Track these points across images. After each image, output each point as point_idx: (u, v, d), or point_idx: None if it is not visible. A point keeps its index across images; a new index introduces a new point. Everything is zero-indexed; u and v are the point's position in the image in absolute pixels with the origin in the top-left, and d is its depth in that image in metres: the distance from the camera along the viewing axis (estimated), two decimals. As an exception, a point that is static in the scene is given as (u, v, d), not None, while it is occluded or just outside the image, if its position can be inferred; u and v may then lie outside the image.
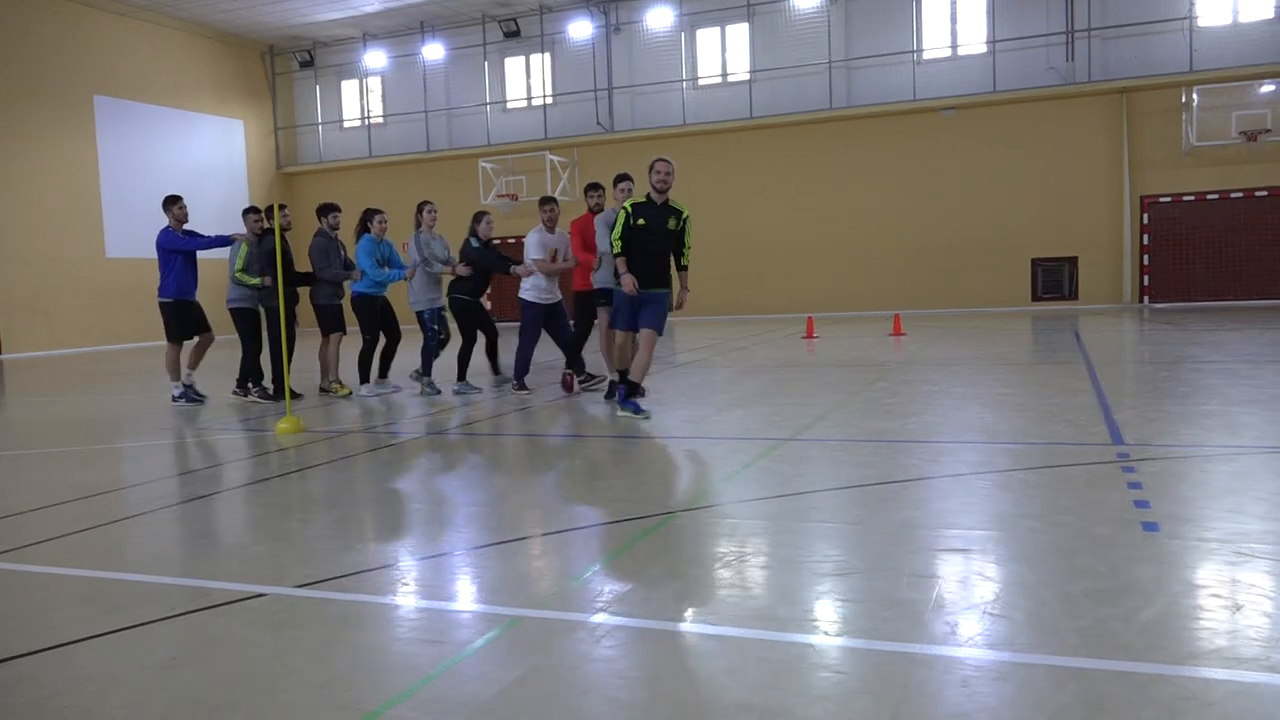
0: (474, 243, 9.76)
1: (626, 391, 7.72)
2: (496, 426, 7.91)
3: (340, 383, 10.29)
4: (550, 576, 3.86)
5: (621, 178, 9.04)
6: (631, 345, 7.87)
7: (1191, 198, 20.78)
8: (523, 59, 26.22)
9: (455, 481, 6.02)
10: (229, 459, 6.84)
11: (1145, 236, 21.10)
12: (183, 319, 9.98)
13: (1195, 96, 20.18)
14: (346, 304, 10.20)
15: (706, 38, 24.54)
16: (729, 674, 2.77)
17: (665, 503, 5.00)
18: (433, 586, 3.79)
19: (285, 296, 9.87)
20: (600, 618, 3.25)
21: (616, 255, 7.72)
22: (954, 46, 22.43)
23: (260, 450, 7.19)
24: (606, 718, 2.53)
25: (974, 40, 22.18)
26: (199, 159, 25.66)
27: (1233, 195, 20.46)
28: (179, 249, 9.82)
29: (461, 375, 9.84)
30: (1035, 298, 21.94)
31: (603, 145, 25.13)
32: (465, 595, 3.68)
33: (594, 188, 9.56)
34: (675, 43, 24.55)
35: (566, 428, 7.78)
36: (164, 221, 10.09)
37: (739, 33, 24.09)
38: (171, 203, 10.03)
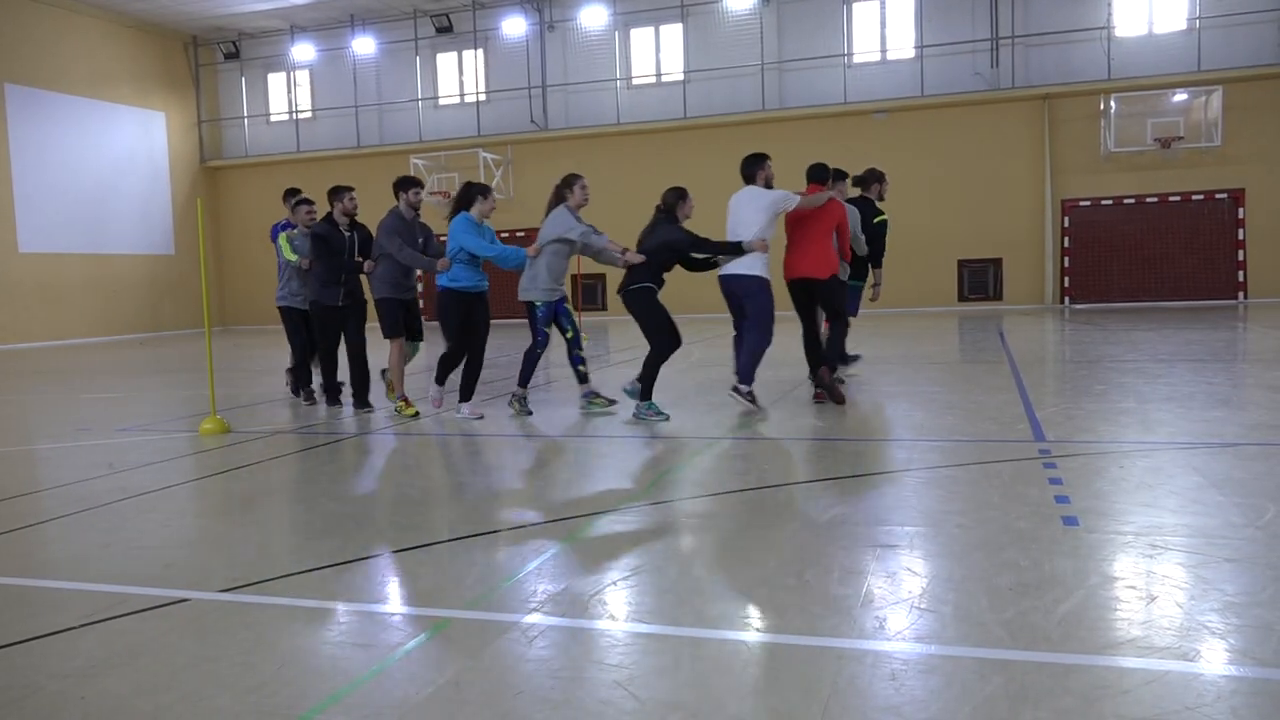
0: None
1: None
2: (430, 427, 7.82)
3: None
4: (482, 577, 3.83)
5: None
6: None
7: (1109, 202, 21.44)
8: (455, 55, 25.96)
9: (386, 483, 5.94)
10: (150, 460, 6.65)
11: (1066, 239, 21.70)
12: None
13: (1113, 104, 20.83)
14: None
15: (640, 37, 24.58)
16: (661, 672, 2.79)
17: (598, 502, 5.00)
18: (362, 589, 3.74)
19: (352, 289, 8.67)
20: (533, 618, 3.24)
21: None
22: (883, 51, 22.81)
23: (183, 452, 7.01)
24: (539, 719, 2.52)
25: (903, 45, 22.59)
26: (118, 152, 24.87)
27: (1148, 200, 21.16)
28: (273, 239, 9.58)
29: (646, 392, 7.61)
30: (961, 298, 22.42)
31: (537, 143, 25.01)
32: (395, 598, 3.64)
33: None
34: (609, 42, 24.54)
35: (496, 428, 7.72)
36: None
37: (673, 33, 24.18)
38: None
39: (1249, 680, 2.58)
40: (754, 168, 7.98)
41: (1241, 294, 20.62)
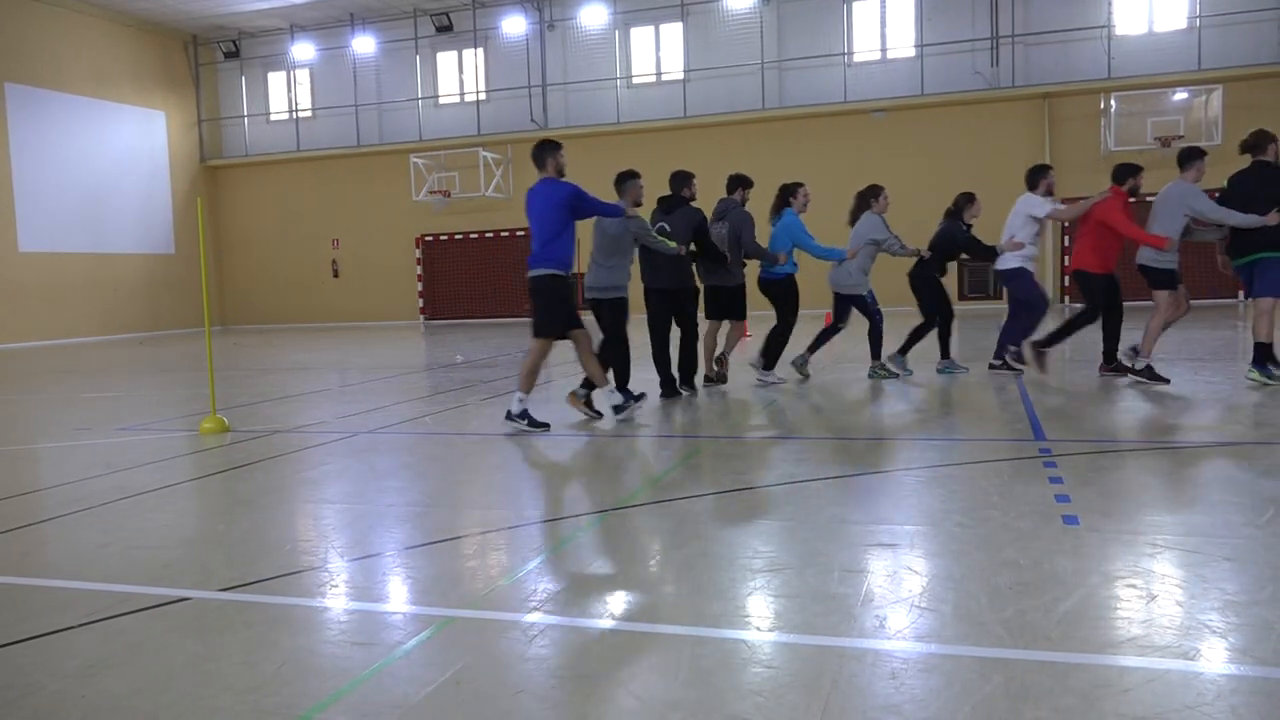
0: (964, 227, 9.84)
1: (1260, 356, 8.13)
2: (431, 425, 7.82)
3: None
4: (482, 576, 3.83)
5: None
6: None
7: (1110, 201, 21.42)
8: (455, 54, 25.96)
9: (386, 481, 5.93)
10: (150, 460, 6.65)
11: (1065, 238, 21.69)
12: (567, 300, 7.23)
13: (1113, 102, 20.82)
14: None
15: (640, 36, 24.58)
16: (661, 671, 2.78)
17: (598, 501, 5.00)
18: (362, 588, 3.74)
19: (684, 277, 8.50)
20: (533, 617, 3.24)
21: None
22: (883, 50, 22.81)
23: (183, 451, 7.01)
24: (539, 717, 2.52)
25: (903, 44, 22.59)
26: (118, 151, 24.87)
27: (1149, 199, 21.05)
28: (591, 210, 7.24)
29: (903, 349, 9.83)
30: (961, 297, 22.40)
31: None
32: (396, 596, 3.63)
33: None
34: (609, 41, 24.54)
35: (494, 428, 7.71)
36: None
37: (673, 32, 24.18)
38: (556, 150, 7.19)
39: (1249, 679, 2.58)
40: (1036, 177, 9.46)
41: (1242, 293, 20.61)
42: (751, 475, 5.51)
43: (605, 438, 6.90)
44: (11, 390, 12.31)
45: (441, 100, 26.19)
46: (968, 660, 2.76)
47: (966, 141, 22.02)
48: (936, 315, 9.72)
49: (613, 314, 7.87)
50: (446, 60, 26.12)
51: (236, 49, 27.20)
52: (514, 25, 24.91)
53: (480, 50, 25.62)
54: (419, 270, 26.33)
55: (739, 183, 9.34)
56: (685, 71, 23.95)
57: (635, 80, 24.60)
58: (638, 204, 8.03)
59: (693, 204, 8.64)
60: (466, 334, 20.62)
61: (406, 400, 9.27)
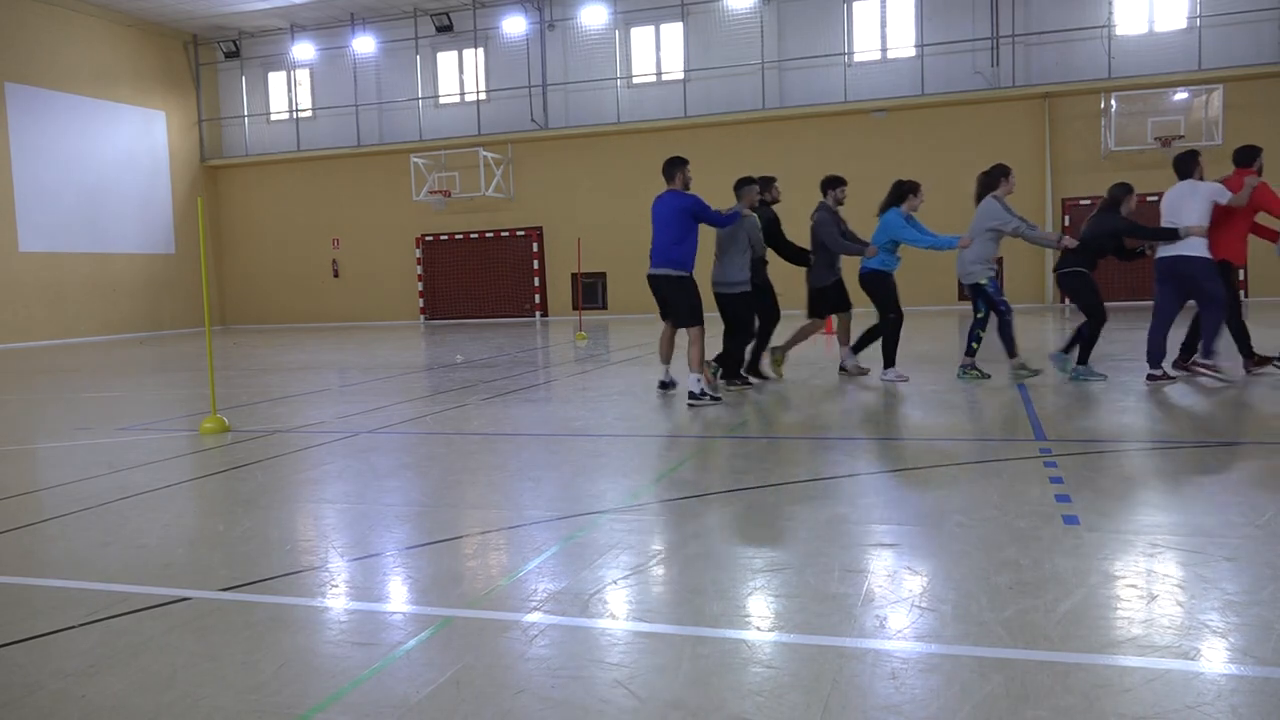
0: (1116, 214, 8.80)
1: None
2: (430, 426, 7.82)
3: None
4: (482, 576, 3.83)
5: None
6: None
7: (1110, 201, 21.44)
8: (455, 54, 25.97)
9: (386, 481, 5.93)
10: (150, 459, 6.65)
11: (1066, 237, 21.70)
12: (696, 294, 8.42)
13: (1114, 102, 20.82)
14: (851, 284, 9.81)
15: (641, 36, 24.59)
16: (662, 671, 2.78)
17: (598, 500, 5.00)
18: (362, 588, 3.74)
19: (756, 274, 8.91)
20: (534, 617, 3.24)
21: None
22: (884, 50, 22.81)
23: (183, 451, 7.01)
24: (539, 717, 2.52)
25: (903, 44, 22.59)
26: (119, 151, 24.87)
27: (1149, 199, 21.10)
28: (707, 220, 8.16)
29: (1082, 358, 8.92)
30: (962, 297, 22.40)
31: (537, 142, 25.01)
32: (396, 596, 3.64)
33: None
34: (610, 41, 24.55)
35: (495, 427, 7.72)
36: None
37: (673, 32, 24.18)
38: (684, 165, 8.30)
39: (1249, 679, 2.58)
40: (1190, 165, 8.51)
41: (1241, 293, 20.61)
42: (752, 475, 5.51)
43: (605, 438, 6.90)
44: (11, 390, 12.31)
45: (441, 100, 26.20)
46: (968, 660, 2.76)
47: (966, 141, 22.02)
48: (1099, 311, 8.88)
49: (732, 307, 8.65)
50: (446, 60, 26.12)
51: (237, 49, 27.20)
52: (514, 25, 24.92)
53: (480, 50, 25.62)
54: (419, 270, 26.34)
55: (829, 184, 9.77)
56: (685, 71, 23.95)
57: (635, 80, 24.60)
58: (752, 206, 8.85)
59: (773, 206, 9.36)
60: (466, 334, 20.62)
61: (406, 400, 9.27)
